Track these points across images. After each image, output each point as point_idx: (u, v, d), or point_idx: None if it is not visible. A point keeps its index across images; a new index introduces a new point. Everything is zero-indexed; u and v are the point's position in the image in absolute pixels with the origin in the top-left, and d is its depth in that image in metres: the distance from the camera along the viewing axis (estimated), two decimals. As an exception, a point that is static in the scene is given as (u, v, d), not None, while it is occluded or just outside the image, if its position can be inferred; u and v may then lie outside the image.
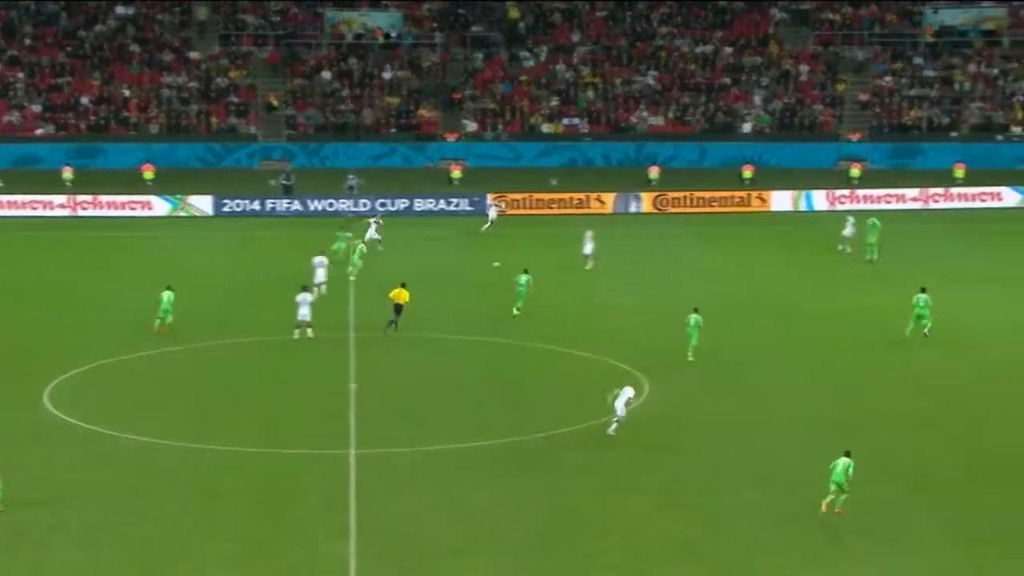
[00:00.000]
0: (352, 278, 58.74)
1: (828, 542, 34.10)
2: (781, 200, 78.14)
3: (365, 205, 77.08)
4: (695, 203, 78.06)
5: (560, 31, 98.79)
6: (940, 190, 78.69)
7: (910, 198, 78.04)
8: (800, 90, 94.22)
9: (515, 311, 53.85)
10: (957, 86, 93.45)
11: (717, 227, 72.51)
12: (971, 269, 62.25)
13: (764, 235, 70.63)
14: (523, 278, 54.53)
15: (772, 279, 60.91)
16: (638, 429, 41.87)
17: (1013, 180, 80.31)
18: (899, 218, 73.81)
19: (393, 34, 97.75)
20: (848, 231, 65.76)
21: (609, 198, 78.49)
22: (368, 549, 33.54)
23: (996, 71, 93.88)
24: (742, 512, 35.75)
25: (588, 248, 60.96)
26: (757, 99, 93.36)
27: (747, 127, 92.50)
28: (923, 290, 50.92)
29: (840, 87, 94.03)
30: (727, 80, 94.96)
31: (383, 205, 77.38)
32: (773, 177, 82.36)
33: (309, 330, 50.72)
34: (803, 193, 78.16)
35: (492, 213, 71.53)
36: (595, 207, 78.14)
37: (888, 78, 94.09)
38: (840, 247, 65.93)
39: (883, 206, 77.30)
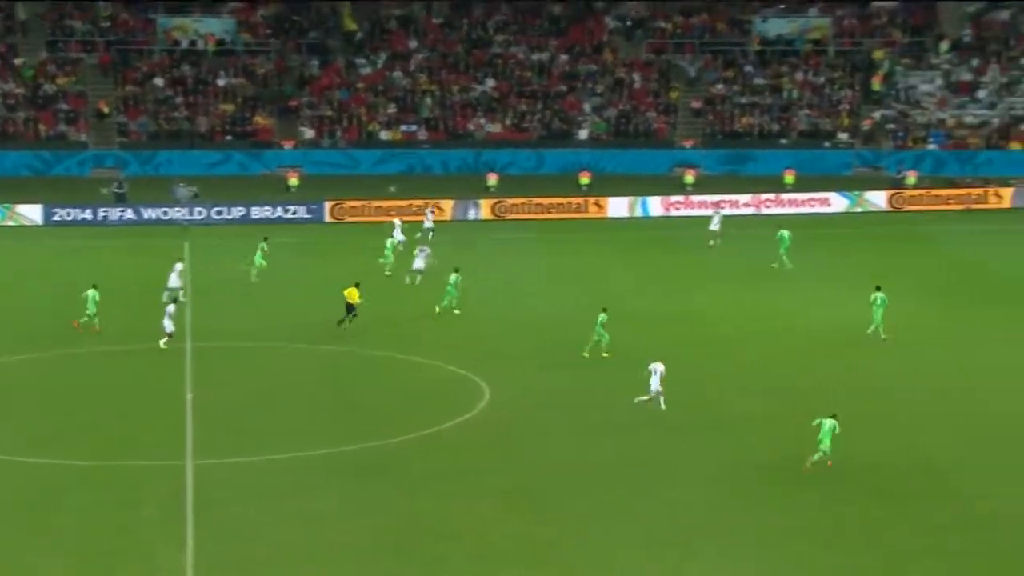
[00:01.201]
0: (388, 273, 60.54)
1: (676, 541, 34.28)
2: (618, 206, 78.80)
3: (200, 213, 75.97)
4: (533, 210, 78.32)
5: (397, 38, 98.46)
6: (771, 196, 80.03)
7: (743, 204, 79.24)
8: (634, 97, 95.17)
9: (451, 310, 54.38)
10: (786, 94, 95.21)
11: (555, 233, 72.85)
12: (800, 272, 63.25)
13: (601, 240, 71.07)
14: (453, 277, 54.78)
15: (612, 283, 61.27)
16: (483, 433, 41.79)
17: (840, 186, 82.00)
18: (733, 223, 74.83)
19: (227, 40, 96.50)
20: (715, 226, 68.10)
21: (448, 205, 78.38)
22: (208, 560, 32.86)
23: (822, 79, 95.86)
24: (588, 514, 35.78)
25: (419, 263, 60.26)
26: (587, 106, 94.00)
27: (584, 134, 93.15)
28: (878, 288, 51.56)
29: (673, 95, 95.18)
30: (563, 87, 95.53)
31: (219, 213, 76.32)
32: (610, 183, 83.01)
33: (162, 341, 49.79)
34: (639, 199, 78.91)
35: (427, 222, 70.78)
36: (434, 214, 77.89)
37: (720, 86, 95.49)
38: (711, 242, 67.85)
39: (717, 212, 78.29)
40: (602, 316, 48.90)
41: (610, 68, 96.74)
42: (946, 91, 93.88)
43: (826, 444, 38.03)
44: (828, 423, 38.18)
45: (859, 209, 78.68)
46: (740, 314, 55.55)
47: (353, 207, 77.79)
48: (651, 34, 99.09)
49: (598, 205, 79.02)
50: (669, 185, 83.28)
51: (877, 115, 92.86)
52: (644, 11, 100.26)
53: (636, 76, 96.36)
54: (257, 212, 77.00)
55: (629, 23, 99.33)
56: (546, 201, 78.76)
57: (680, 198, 79.75)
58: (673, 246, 69.55)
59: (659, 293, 59.44)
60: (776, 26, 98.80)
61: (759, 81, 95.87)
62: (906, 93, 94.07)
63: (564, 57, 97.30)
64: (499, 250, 69.40)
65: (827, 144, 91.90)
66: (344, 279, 55.11)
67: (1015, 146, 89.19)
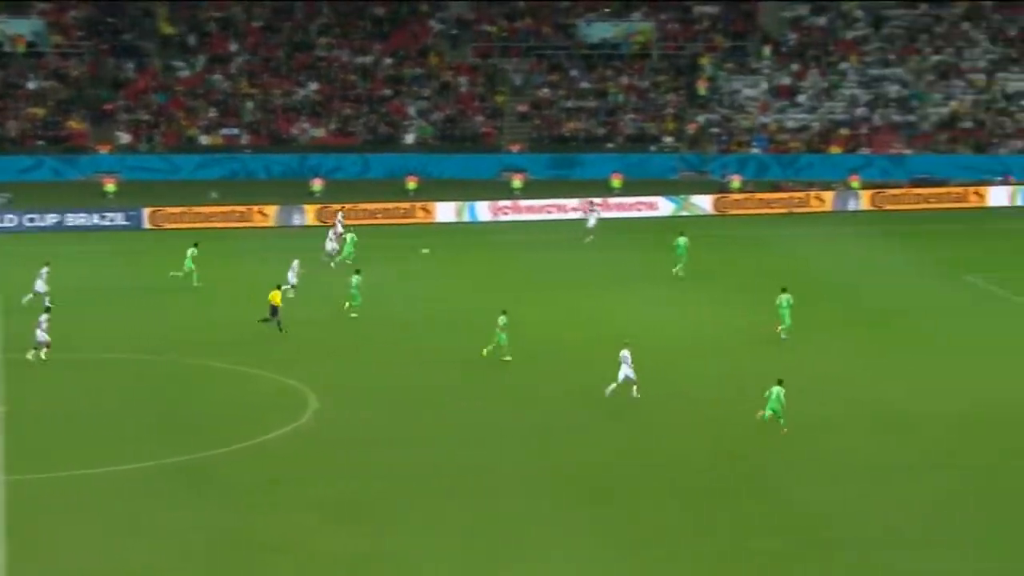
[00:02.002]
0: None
1: (499, 552, 34.23)
2: (445, 211, 78.68)
3: (12, 221, 73.91)
4: (359, 215, 77.71)
5: (216, 40, 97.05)
6: (599, 200, 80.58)
7: (571, 208, 79.72)
8: (461, 101, 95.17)
9: (351, 312, 54.66)
10: (611, 98, 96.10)
11: (382, 239, 72.35)
12: (626, 275, 63.77)
13: (430, 245, 70.74)
14: (355, 279, 54.98)
15: (437, 290, 61.07)
16: (310, 442, 41.29)
17: (666, 190, 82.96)
18: (562, 227, 75.32)
19: (37, 42, 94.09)
20: (592, 223, 70.54)
21: (271, 210, 77.44)
22: (24, 579, 31.92)
23: (647, 84, 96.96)
24: (415, 525, 35.55)
25: (292, 277, 59.07)
26: (413, 110, 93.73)
27: (410, 138, 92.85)
28: (784, 290, 52.07)
29: (500, 99, 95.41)
30: (388, 91, 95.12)
31: (32, 221, 74.33)
32: (437, 188, 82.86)
33: (43, 352, 48.21)
34: (467, 204, 78.90)
35: (339, 226, 70.08)
36: (257, 220, 77.01)
37: (546, 90, 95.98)
38: (588, 239, 69.83)
39: (545, 216, 78.76)
40: (502, 319, 49.06)
41: (435, 72, 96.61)
42: (768, 96, 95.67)
43: (776, 409, 40.96)
44: (775, 390, 41.12)
45: (685, 213, 79.67)
46: (567, 319, 55.75)
47: (173, 214, 76.45)
48: (476, 38, 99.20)
49: (425, 210, 78.81)
50: (497, 190, 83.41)
51: (701, 119, 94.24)
52: (469, 14, 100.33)
53: (462, 80, 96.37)
54: (72, 219, 75.21)
55: (454, 32, 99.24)
56: (372, 206, 78.29)
57: (508, 203, 79.94)
58: (501, 251, 69.57)
59: (487, 298, 59.35)
60: (600, 30, 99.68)
61: (585, 85, 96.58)
62: (729, 97, 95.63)
63: (388, 60, 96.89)
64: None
65: (653, 148, 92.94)
66: (164, 289, 54.08)
67: (835, 150, 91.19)
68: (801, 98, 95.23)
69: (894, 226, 75.22)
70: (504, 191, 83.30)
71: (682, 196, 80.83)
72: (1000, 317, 56.10)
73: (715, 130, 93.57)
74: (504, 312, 49.45)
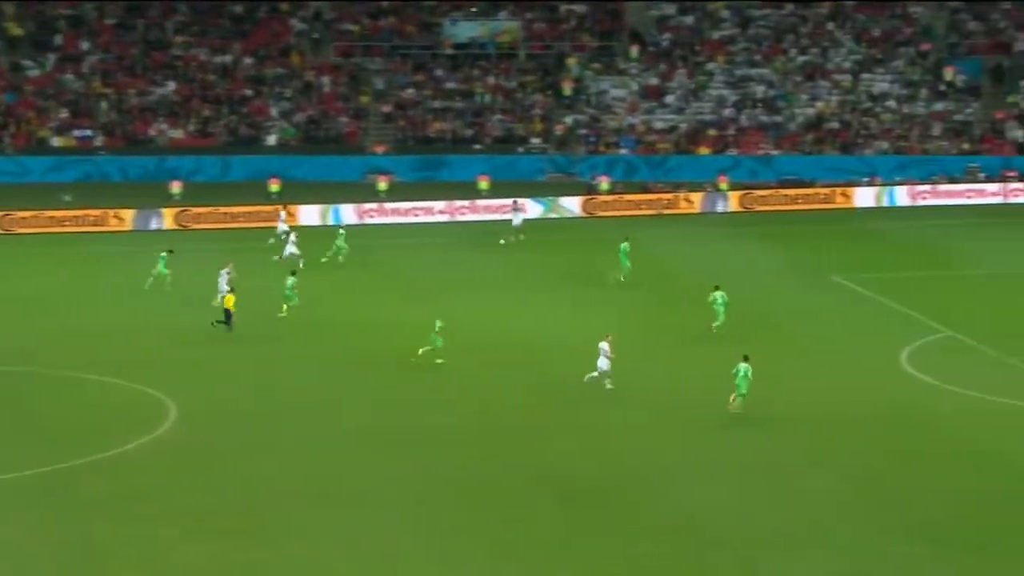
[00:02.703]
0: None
1: (373, 564, 33.93)
2: (309, 214, 78.04)
3: None
4: (220, 219, 76.87)
5: (68, 39, 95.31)
6: (466, 202, 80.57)
7: (438, 211, 79.54)
8: (324, 102, 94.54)
9: (286, 313, 55.13)
10: (478, 98, 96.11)
11: (244, 242, 71.57)
12: (492, 278, 63.80)
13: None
14: (290, 280, 55.44)
15: (306, 294, 60.52)
16: (170, 453, 40.65)
17: (534, 192, 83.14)
18: (428, 231, 75.18)
19: None
20: (517, 221, 71.28)
21: (128, 214, 76.23)
22: None
23: (514, 84, 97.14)
24: (286, 536, 35.11)
25: (224, 286, 57.92)
26: (275, 111, 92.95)
27: (272, 140, 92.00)
28: (717, 288, 52.74)
29: (364, 99, 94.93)
30: (249, 91, 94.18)
31: None
32: (301, 191, 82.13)
33: None
34: (331, 207, 78.32)
35: (282, 227, 69.90)
36: (113, 224, 75.78)
37: (411, 90, 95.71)
38: (512, 238, 70.46)
39: (412, 219, 78.51)
40: (438, 323, 49.18)
41: (298, 71, 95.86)
42: (636, 96, 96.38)
43: (743, 388, 42.72)
44: (742, 367, 42.86)
45: (554, 215, 79.92)
46: (430, 325, 55.62)
47: (24, 218, 74.94)
48: (338, 37, 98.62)
49: (289, 213, 77.97)
50: (362, 192, 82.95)
51: (569, 120, 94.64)
52: (331, 13, 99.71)
53: (325, 80, 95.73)
54: (-83, 224, 73.34)
55: (316, 35, 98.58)
56: (234, 210, 77.40)
57: (374, 205, 79.55)
58: (366, 255, 69.12)
59: (351, 303, 58.99)
60: (466, 29, 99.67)
61: (450, 85, 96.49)
62: (597, 98, 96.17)
63: (249, 60, 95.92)
64: (185, 262, 67.85)
65: (520, 149, 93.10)
66: (16, 298, 52.94)
67: (703, 151, 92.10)
68: (669, 99, 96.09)
69: (762, 227, 76.18)
70: (369, 193, 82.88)
71: (550, 198, 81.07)
72: (867, 318, 57.01)
73: (583, 131, 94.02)
74: (439, 320, 49.57)
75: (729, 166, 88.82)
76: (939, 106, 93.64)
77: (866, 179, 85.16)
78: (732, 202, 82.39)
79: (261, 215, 77.56)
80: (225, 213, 77.15)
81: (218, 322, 53.00)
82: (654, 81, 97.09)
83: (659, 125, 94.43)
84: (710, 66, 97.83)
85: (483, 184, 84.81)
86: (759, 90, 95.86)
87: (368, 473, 39.39)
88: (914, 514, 36.80)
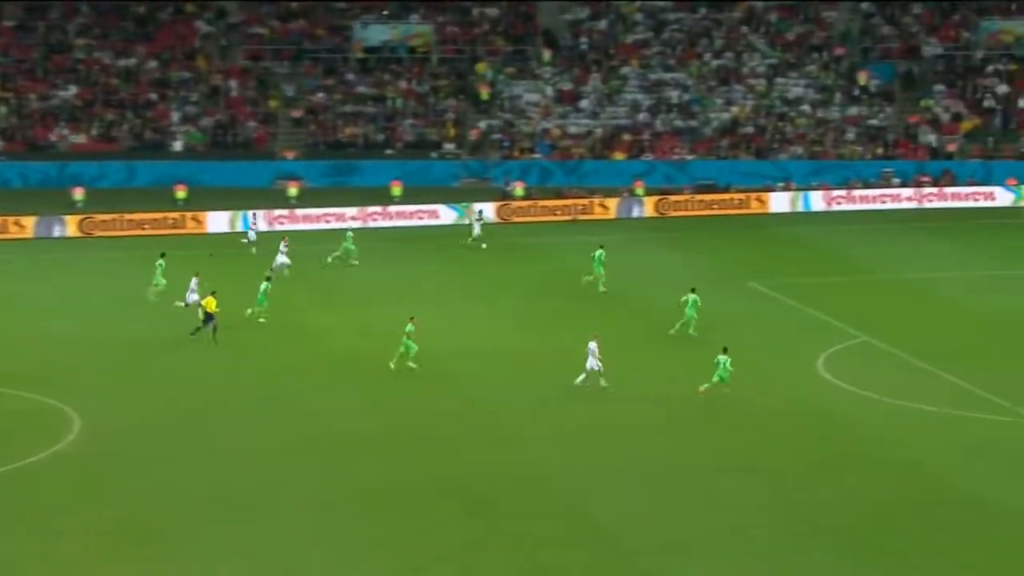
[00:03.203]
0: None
1: (287, 574, 33.76)
2: (218, 221, 77.50)
3: None
4: (125, 226, 76.20)
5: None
6: (378, 208, 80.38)
7: (350, 217, 79.28)
8: (231, 106, 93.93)
9: (259, 317, 55.39)
10: (390, 103, 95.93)
11: (150, 250, 70.89)
12: (408, 286, 63.70)
13: (202, 256, 69.59)
14: (263, 285, 55.59)
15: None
16: (73, 466, 40.18)
17: (448, 198, 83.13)
18: (340, 237, 74.93)
19: None
20: (477, 229, 71.10)
21: (29, 222, 75.33)
22: None
23: (426, 88, 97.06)
24: (194, 550, 34.85)
25: (192, 298, 57.09)
26: (180, 116, 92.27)
27: (178, 145, 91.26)
28: (693, 290, 53.41)
29: (273, 103, 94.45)
30: (154, 95, 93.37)
31: None
32: (208, 197, 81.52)
33: None
34: (240, 213, 77.78)
35: (252, 235, 69.67)
36: (13, 232, 74.90)
37: (321, 95, 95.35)
38: (470, 240, 70.74)
39: (323, 225, 78.17)
40: (409, 326, 49.14)
41: (204, 75, 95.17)
42: (550, 100, 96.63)
43: (724, 377, 45.29)
44: (721, 359, 45.52)
45: (467, 221, 79.90)
46: (353, 330, 55.46)
47: (-78, 226, 73.82)
48: (246, 40, 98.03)
49: (196, 220, 77.50)
50: (272, 198, 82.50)
51: (483, 125, 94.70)
52: (238, 15, 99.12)
53: (232, 84, 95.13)
54: None
55: (223, 40, 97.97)
56: (139, 216, 76.74)
57: (284, 212, 79.15)
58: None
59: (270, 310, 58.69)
60: (377, 33, 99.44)
61: (362, 90, 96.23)
62: (511, 102, 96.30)
63: (153, 63, 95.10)
64: (90, 269, 67.28)
65: (434, 155, 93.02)
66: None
67: (619, 156, 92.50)
68: (583, 103, 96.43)
69: (678, 233, 76.64)
70: (279, 200, 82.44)
71: (464, 204, 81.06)
72: (783, 323, 57.48)
73: (497, 136, 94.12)
74: (412, 319, 49.67)
75: (644, 171, 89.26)
76: (853, 111, 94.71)
77: (781, 184, 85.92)
78: (648, 207, 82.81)
79: (168, 222, 76.92)
80: (130, 220, 76.44)
81: (196, 331, 52.54)
82: (568, 85, 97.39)
83: (574, 130, 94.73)
84: (624, 70, 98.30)
85: (396, 190, 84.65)
86: (674, 94, 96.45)
87: (275, 482, 39.19)
88: (829, 519, 37.15)
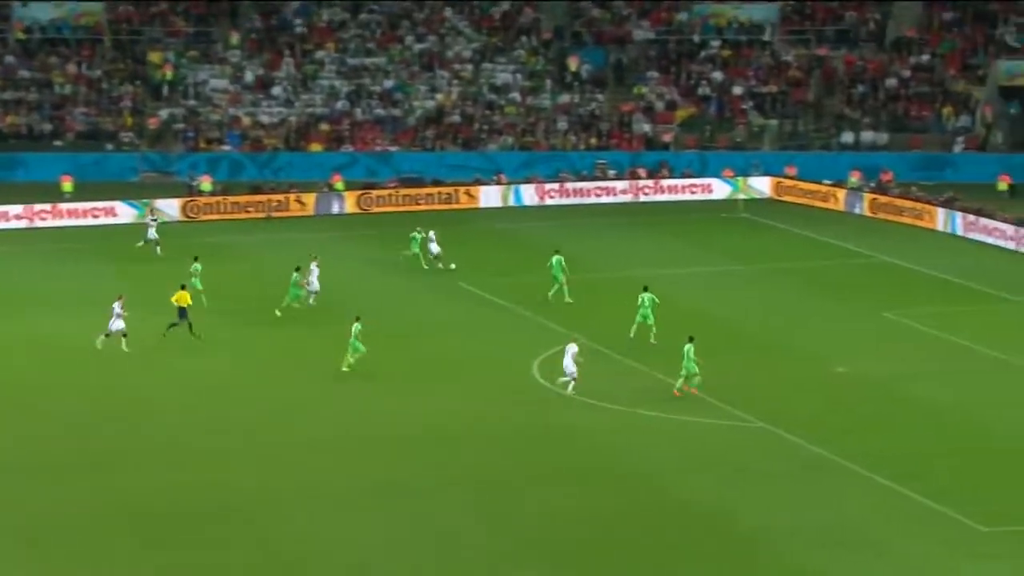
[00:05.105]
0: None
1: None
2: None
3: None
4: None
5: None
6: (47, 206, 78.60)
7: (14, 215, 77.40)
8: None
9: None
10: (57, 89, 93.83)
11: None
12: (80, 292, 62.67)
13: None
14: (294, 276, 58.35)
15: None
16: None
17: (126, 193, 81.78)
18: (3, 238, 73.23)
19: None
20: (152, 235, 69.08)
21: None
22: None
23: (99, 73, 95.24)
24: None
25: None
26: None
27: None
28: (646, 288, 54.74)
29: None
30: None
31: None
32: None
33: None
34: None
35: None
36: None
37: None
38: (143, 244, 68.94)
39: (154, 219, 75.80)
40: (356, 326, 50.57)
41: None
42: (239, 87, 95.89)
43: (692, 368, 47.73)
44: (687, 347, 47.84)
45: (150, 219, 78.62)
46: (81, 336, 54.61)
47: None
48: None
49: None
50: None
51: (164, 114, 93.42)
52: None
53: None
54: None
55: None
56: None
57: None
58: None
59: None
60: (41, 11, 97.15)
61: (24, 74, 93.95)
62: (195, 89, 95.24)
63: None
64: None
65: (109, 146, 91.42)
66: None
67: (315, 147, 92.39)
68: (276, 90, 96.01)
69: (382, 230, 76.83)
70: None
71: (144, 201, 79.81)
72: (497, 326, 58.30)
73: (180, 126, 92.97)
74: (358, 318, 50.74)
75: (345, 164, 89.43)
76: (564, 98, 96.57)
77: (492, 177, 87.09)
78: (348, 203, 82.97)
79: None
80: None
81: (172, 326, 53.56)
82: (259, 71, 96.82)
83: (265, 119, 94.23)
84: (320, 54, 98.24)
85: (66, 186, 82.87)
86: (374, 81, 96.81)
87: (65, 503, 38.91)
88: (540, 534, 37.96)
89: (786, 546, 37.33)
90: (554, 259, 61.42)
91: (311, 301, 59.46)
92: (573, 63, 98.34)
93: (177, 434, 45.18)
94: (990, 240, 74.12)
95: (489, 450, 44.19)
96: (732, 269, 68.48)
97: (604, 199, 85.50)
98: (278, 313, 57.86)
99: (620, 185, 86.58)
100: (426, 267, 66.27)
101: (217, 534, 37.67)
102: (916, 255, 70.74)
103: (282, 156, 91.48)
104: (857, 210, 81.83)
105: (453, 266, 65.96)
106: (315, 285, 59.87)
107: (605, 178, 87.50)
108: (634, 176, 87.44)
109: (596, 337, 55.18)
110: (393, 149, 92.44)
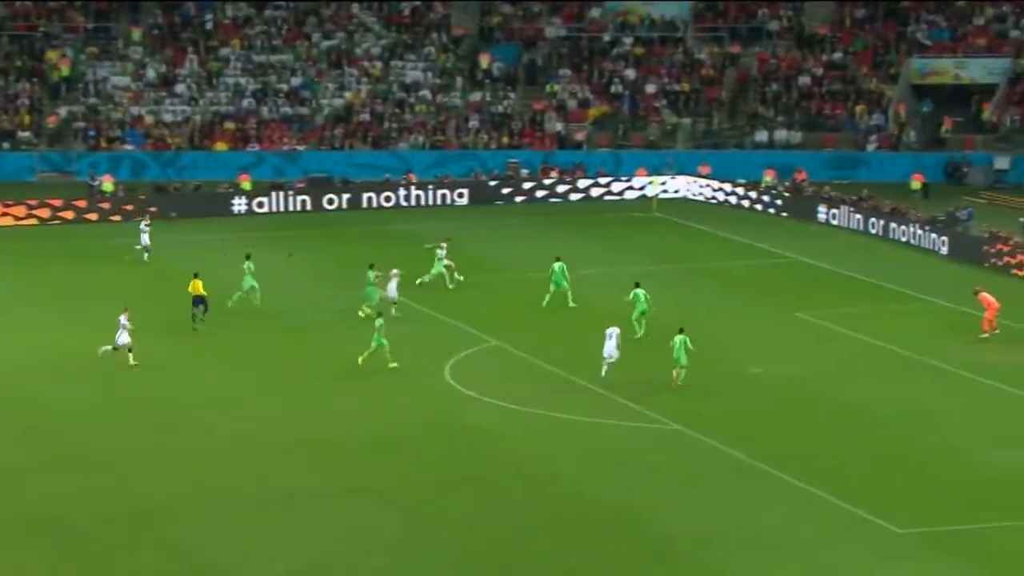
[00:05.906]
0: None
1: None
2: None
3: None
4: None
5: None
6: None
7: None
8: None
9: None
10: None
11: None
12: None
13: None
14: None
15: None
16: None
17: (24, 193, 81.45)
18: None
19: None
20: (144, 240, 68.20)
21: None
22: None
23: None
24: None
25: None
26: None
27: None
28: (637, 284, 56.11)
29: None
30: None
31: None
32: None
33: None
34: None
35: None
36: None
37: None
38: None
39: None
40: (378, 321, 51.43)
41: None
42: (140, 85, 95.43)
43: (683, 360, 48.54)
44: (678, 339, 48.53)
45: (58, 222, 78.75)
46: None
47: None
48: None
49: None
50: None
51: (63, 112, 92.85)
52: None
53: None
54: None
55: None
56: None
57: None
58: None
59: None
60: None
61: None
62: (95, 87, 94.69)
63: None
64: None
65: (6, 145, 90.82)
66: None
67: (221, 146, 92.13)
68: (179, 88, 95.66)
69: (290, 232, 76.78)
70: None
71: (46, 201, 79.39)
72: (407, 329, 58.37)
73: (80, 124, 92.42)
74: (380, 314, 51.82)
75: (251, 163, 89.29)
76: (476, 96, 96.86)
77: (402, 177, 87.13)
78: (254, 203, 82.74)
79: None
80: None
81: (195, 318, 55.18)
82: (161, 68, 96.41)
83: (169, 117, 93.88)
84: (224, 51, 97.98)
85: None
86: (280, 79, 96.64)
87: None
88: (452, 536, 38.25)
89: (701, 550, 37.81)
90: (555, 266, 61.38)
91: (393, 311, 58.17)
92: (484, 60, 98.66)
93: (87, 439, 45.03)
94: (903, 239, 75.18)
95: (400, 455, 44.42)
96: (648, 269, 69.04)
97: (517, 199, 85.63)
98: (361, 314, 57.73)
99: (532, 184, 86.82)
100: (451, 286, 63.81)
101: (127, 540, 37.64)
102: (829, 255, 71.63)
103: (186, 155, 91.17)
104: (771, 210, 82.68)
105: (461, 278, 64.38)
106: (394, 293, 59.05)
107: (517, 177, 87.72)
108: (545, 174, 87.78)
109: (505, 338, 55.55)
110: (301, 148, 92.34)
